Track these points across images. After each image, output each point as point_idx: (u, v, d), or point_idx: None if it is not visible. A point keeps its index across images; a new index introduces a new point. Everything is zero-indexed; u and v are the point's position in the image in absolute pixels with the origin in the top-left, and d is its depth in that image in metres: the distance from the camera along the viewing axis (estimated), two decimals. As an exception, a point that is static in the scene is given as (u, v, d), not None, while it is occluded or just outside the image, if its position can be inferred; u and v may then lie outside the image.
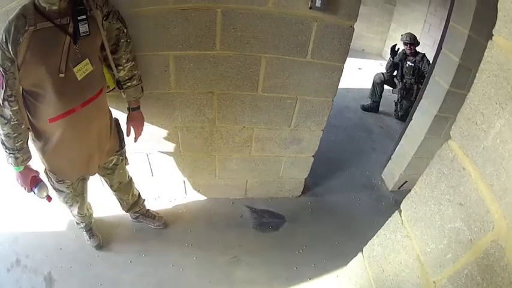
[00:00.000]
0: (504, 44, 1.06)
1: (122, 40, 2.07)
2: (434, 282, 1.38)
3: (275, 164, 3.19)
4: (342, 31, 2.44)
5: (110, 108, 2.36)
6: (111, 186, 2.69)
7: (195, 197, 3.42)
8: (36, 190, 2.05)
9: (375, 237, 1.88)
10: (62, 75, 1.79)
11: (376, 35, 9.27)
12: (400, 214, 1.62)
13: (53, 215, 3.04)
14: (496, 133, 1.08)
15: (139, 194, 2.96)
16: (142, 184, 3.15)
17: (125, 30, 2.06)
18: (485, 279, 1.11)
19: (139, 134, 2.48)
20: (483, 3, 2.81)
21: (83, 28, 1.79)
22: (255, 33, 2.37)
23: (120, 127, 2.47)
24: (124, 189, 2.75)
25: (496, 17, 1.09)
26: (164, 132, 2.82)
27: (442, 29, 3.41)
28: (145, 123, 2.56)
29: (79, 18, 1.77)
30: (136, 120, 2.42)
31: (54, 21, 1.71)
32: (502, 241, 1.04)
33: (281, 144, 3.01)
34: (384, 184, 4.19)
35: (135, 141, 2.51)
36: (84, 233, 2.86)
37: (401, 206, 1.60)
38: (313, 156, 3.21)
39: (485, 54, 1.14)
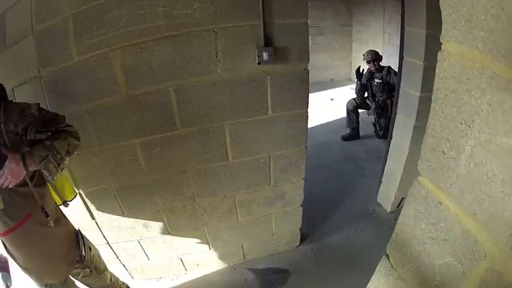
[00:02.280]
0: (457, 49, 0.96)
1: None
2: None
3: (265, 223, 3.15)
4: (298, 76, 2.44)
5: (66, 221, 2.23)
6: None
7: (196, 271, 3.36)
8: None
9: (369, 283, 1.82)
10: None
11: (340, 61, 9.56)
12: (388, 258, 1.56)
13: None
14: (468, 157, 1.00)
15: (118, 281, 2.75)
16: (141, 268, 3.14)
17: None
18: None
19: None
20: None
21: None
22: (211, 104, 2.38)
23: (82, 237, 2.30)
24: None
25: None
26: (149, 218, 2.80)
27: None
28: (128, 212, 2.61)
29: None
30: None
31: None
32: (498, 267, 0.98)
33: (265, 204, 2.98)
34: (381, 208, 4.16)
35: None
36: None
37: (387, 251, 1.55)
38: (301, 205, 3.17)
39: (437, 70, 1.05)
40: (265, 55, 2.24)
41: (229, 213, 2.93)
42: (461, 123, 0.99)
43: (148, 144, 2.43)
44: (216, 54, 2.23)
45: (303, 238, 3.59)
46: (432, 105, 1.10)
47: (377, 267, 1.68)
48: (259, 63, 2.27)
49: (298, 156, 2.79)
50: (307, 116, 2.65)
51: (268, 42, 2.24)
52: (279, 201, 3.02)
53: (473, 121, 0.95)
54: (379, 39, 8.11)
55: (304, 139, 2.74)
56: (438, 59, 1.03)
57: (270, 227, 3.21)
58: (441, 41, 1.00)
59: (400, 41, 3.39)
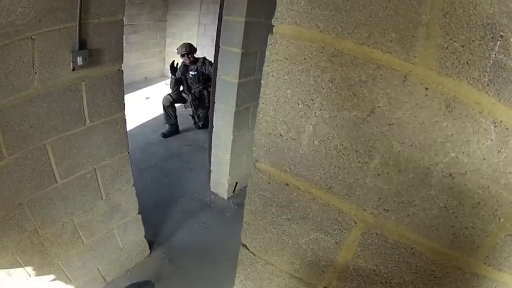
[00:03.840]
0: (292, 31, 0.94)
1: None
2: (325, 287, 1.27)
3: (110, 239, 3.13)
4: (112, 79, 2.46)
5: None
6: None
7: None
8: None
9: (237, 274, 1.67)
10: None
11: (154, 57, 9.57)
12: (247, 248, 1.47)
13: None
14: (311, 135, 1.00)
15: None
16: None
17: None
18: (380, 262, 1.06)
19: None
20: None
21: None
22: (31, 122, 2.15)
23: None
24: None
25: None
26: (7, 263, 2.46)
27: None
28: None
29: None
30: None
31: None
32: (376, 229, 1.01)
33: (104, 220, 2.96)
34: (217, 196, 4.41)
35: None
36: None
37: (243, 241, 1.47)
38: (138, 213, 3.26)
39: (267, 53, 1.00)
40: (79, 59, 2.16)
41: (74, 238, 2.81)
42: (298, 104, 0.99)
43: (-20, 179, 2.14)
44: (33, 64, 2.02)
45: (151, 245, 3.66)
46: (262, 89, 1.05)
47: (238, 258, 1.57)
48: (73, 69, 2.17)
49: (123, 162, 2.88)
50: (125, 119, 2.73)
51: (82, 45, 2.17)
52: (116, 214, 3.04)
53: (312, 100, 0.95)
54: (193, 32, 8.51)
55: (125, 144, 2.82)
56: (269, 42, 0.99)
57: (117, 243, 3.20)
58: (273, 23, 0.97)
59: (217, 30, 3.62)
